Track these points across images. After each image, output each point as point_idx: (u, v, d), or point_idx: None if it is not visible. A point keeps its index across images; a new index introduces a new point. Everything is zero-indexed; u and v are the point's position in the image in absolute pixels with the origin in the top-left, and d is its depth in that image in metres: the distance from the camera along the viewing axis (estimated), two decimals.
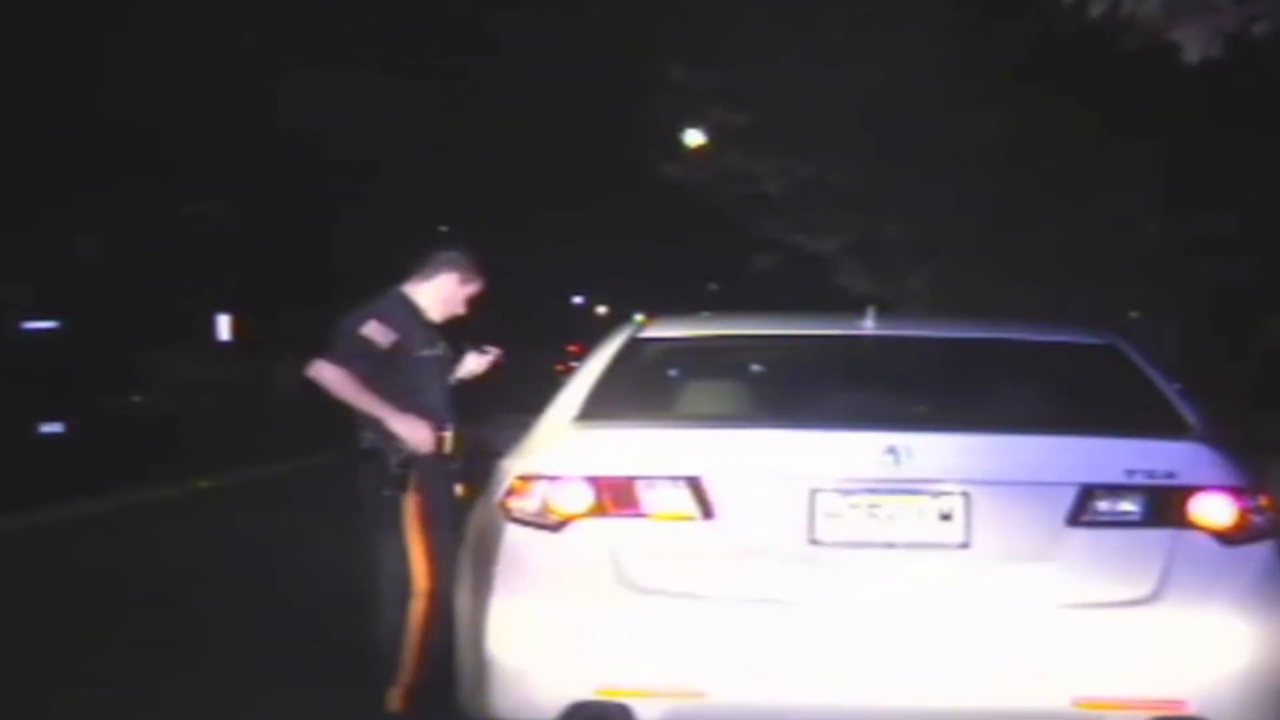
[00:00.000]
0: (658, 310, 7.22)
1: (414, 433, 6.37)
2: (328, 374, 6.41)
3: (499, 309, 7.22)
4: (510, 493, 5.29)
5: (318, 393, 6.56)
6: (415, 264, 6.80)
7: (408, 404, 6.44)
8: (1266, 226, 16.28)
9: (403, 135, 33.22)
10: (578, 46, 29.39)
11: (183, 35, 28.64)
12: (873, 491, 5.10)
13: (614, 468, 5.16)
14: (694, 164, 21.22)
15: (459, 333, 6.88)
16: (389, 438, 6.38)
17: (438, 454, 6.43)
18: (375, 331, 6.46)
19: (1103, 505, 5.07)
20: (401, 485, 6.37)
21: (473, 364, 6.91)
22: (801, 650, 5.01)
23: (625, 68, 23.39)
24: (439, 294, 6.72)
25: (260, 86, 29.93)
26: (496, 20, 31.53)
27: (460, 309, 6.81)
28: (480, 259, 6.84)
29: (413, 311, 6.66)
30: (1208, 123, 15.43)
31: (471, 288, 6.81)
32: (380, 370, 6.44)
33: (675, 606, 5.05)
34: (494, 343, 7.02)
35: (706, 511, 5.11)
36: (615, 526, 5.13)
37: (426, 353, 6.60)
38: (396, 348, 6.48)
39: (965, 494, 5.07)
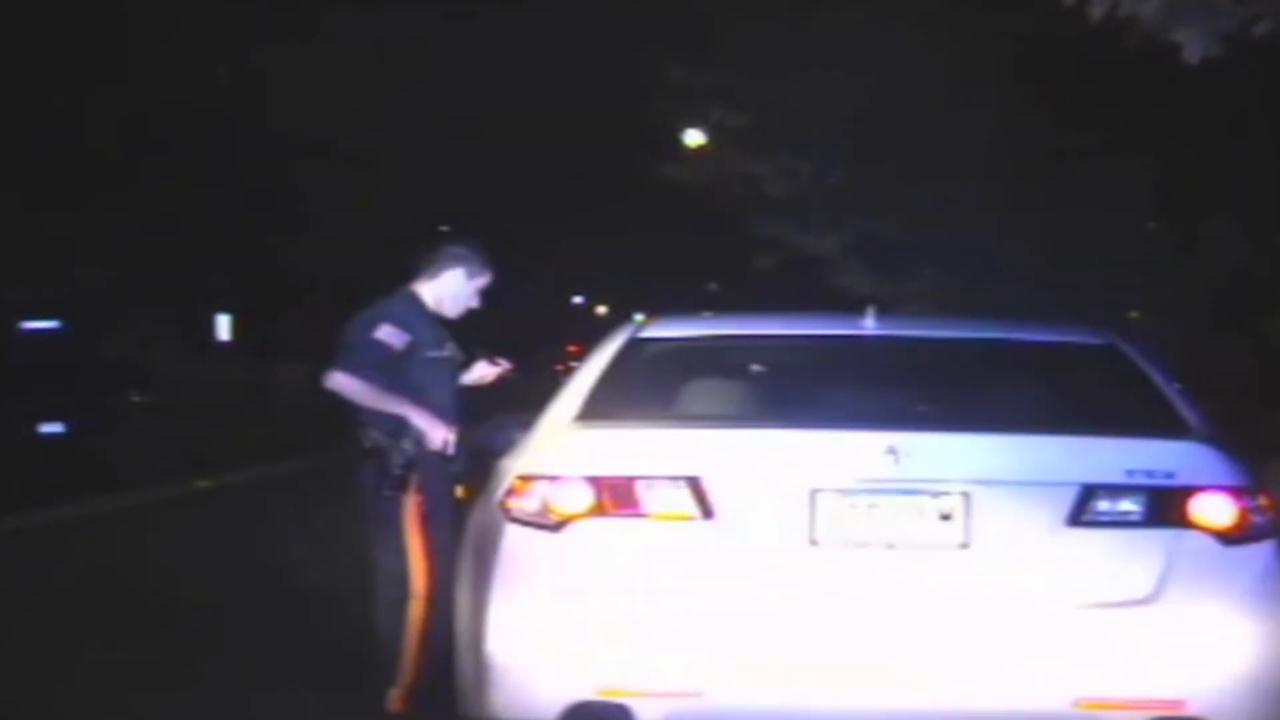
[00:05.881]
0: (658, 310, 7.20)
1: (434, 429, 6.37)
2: (346, 385, 6.40)
3: (498, 309, 7.19)
4: (510, 493, 5.29)
5: (322, 395, 6.55)
6: (419, 262, 6.78)
7: (415, 404, 6.43)
8: (1265, 227, 16.29)
9: (403, 132, 33.19)
10: (578, 46, 29.41)
11: (179, 30, 28.66)
12: (873, 492, 5.10)
13: (614, 468, 5.16)
14: (694, 164, 21.21)
15: (471, 337, 6.86)
16: (396, 437, 6.37)
17: (439, 455, 6.42)
18: (389, 335, 6.44)
19: (1103, 505, 5.08)
20: (402, 485, 6.37)
21: (482, 371, 6.90)
22: (801, 650, 5.01)
23: (625, 68, 23.36)
24: (448, 291, 6.70)
25: (258, 84, 29.96)
26: (494, 20, 31.55)
27: (473, 303, 6.79)
28: (486, 252, 6.82)
29: (422, 311, 6.64)
30: (1207, 123, 15.43)
31: (480, 281, 6.77)
32: (394, 371, 6.43)
33: (675, 606, 5.05)
34: (498, 346, 7.01)
35: (706, 511, 5.11)
36: (615, 526, 5.13)
37: (434, 354, 6.58)
38: (409, 349, 6.47)
39: (965, 494, 5.08)
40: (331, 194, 33.63)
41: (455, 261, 6.72)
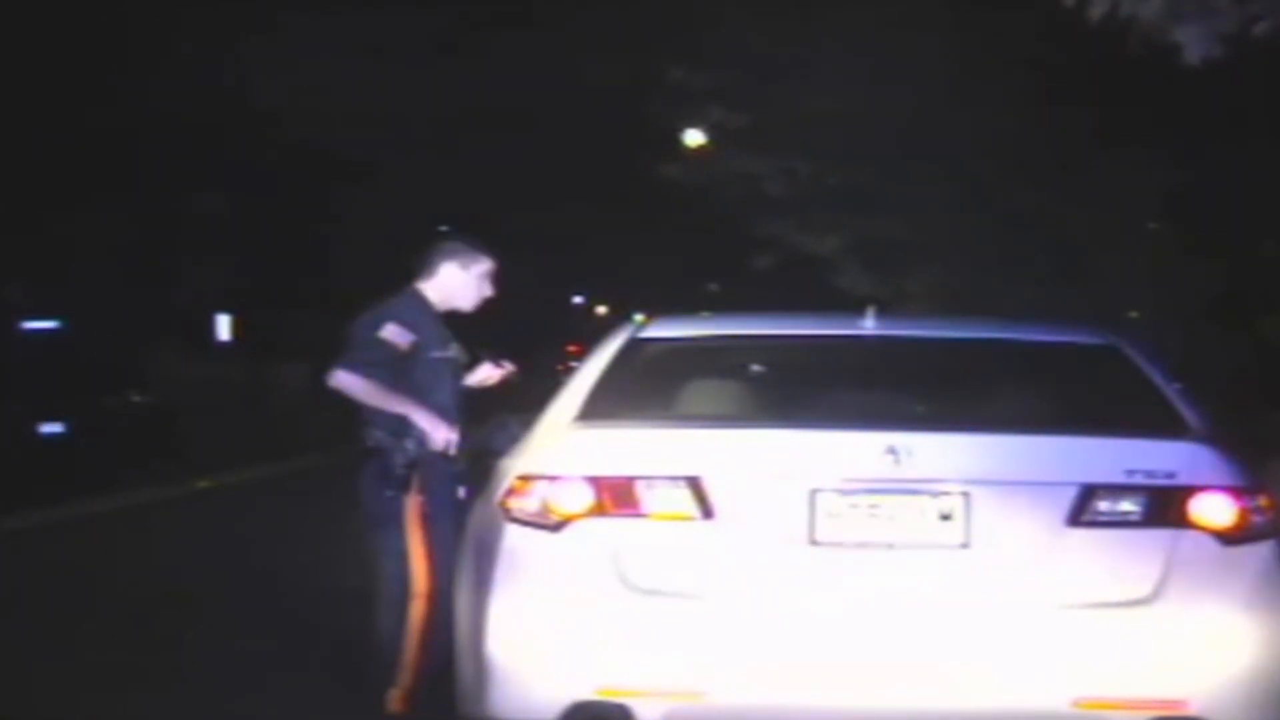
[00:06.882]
0: (658, 310, 7.21)
1: (436, 430, 6.36)
2: (349, 383, 6.39)
3: (499, 309, 7.18)
4: (510, 493, 5.29)
5: (324, 395, 6.55)
6: (416, 262, 6.77)
7: (418, 404, 6.43)
8: (1266, 227, 16.29)
9: (402, 133, 33.19)
10: (578, 46, 29.37)
11: (180, 30, 28.67)
12: (873, 491, 5.10)
13: (614, 468, 5.16)
14: (694, 164, 21.22)
15: (474, 337, 6.85)
16: (398, 437, 6.36)
17: (442, 455, 6.41)
18: (394, 334, 6.43)
19: (1103, 505, 5.08)
20: (404, 485, 6.36)
21: (485, 373, 6.90)
22: (801, 650, 5.01)
23: (625, 68, 23.37)
24: (449, 286, 6.69)
25: (258, 85, 29.94)
26: (494, 20, 31.54)
27: (486, 290, 6.75)
28: (479, 238, 6.81)
29: (427, 311, 6.63)
30: (1207, 123, 15.43)
31: (480, 268, 6.74)
32: (398, 371, 6.42)
33: (675, 606, 5.05)
34: (498, 346, 7.00)
35: (706, 511, 5.11)
36: (615, 526, 5.13)
37: (439, 354, 6.58)
38: (414, 348, 6.47)
39: (965, 494, 5.08)
40: (333, 195, 33.64)
41: (446, 256, 6.72)
